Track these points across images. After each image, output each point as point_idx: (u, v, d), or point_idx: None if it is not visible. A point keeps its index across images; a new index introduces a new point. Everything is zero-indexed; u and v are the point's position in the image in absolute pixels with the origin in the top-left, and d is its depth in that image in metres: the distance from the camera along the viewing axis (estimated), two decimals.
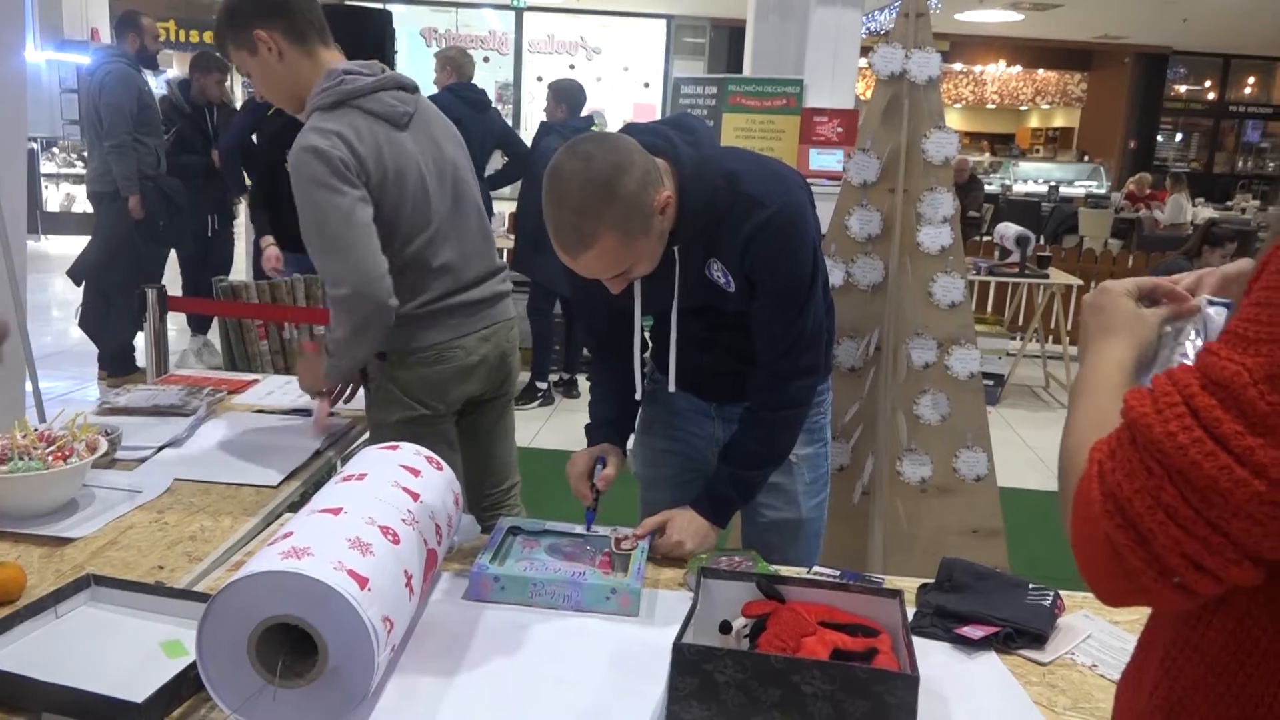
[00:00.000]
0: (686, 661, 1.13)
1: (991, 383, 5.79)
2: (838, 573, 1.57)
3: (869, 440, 2.93)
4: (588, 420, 1.83)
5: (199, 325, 5.86)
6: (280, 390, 2.60)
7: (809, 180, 1.66)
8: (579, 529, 1.68)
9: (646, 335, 1.82)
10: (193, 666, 1.16)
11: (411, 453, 1.52)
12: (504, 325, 2.16)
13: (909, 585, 1.56)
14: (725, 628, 1.27)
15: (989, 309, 7.02)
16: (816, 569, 1.61)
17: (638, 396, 1.76)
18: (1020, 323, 6.92)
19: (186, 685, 1.16)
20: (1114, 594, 0.72)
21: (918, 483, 2.89)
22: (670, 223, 1.53)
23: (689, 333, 1.70)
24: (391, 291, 1.93)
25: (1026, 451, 5.09)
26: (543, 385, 5.40)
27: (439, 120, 2.13)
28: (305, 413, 2.35)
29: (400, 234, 1.99)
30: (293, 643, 1.15)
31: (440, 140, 2.08)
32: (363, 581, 1.14)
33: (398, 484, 1.39)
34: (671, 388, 1.73)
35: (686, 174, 1.53)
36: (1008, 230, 6.12)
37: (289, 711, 1.13)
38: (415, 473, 1.46)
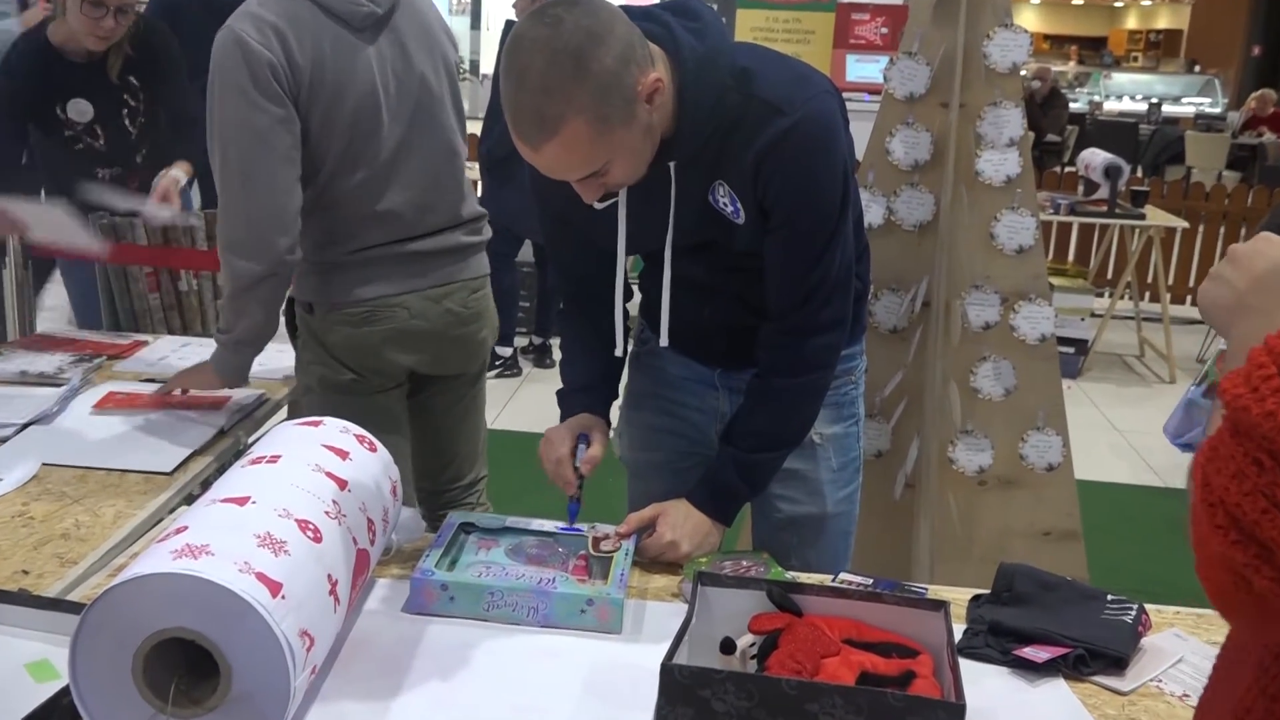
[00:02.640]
0: (678, 686, 1.15)
1: (1070, 350, 5.82)
2: (869, 581, 1.59)
3: (914, 420, 2.93)
4: (560, 386, 1.84)
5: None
6: (175, 354, 2.61)
7: (843, 95, 1.66)
8: (548, 526, 1.69)
9: (632, 284, 1.82)
10: (65, 693, 1.17)
11: (337, 430, 1.53)
12: (465, 286, 2.17)
13: (958, 597, 1.58)
14: (728, 646, 1.29)
15: (1069, 258, 7.04)
16: (844, 576, 1.62)
17: (617, 353, 1.77)
18: (1109, 275, 6.94)
19: (58, 715, 1.17)
20: (1257, 630, 0.71)
21: (975, 473, 2.91)
22: (662, 120, 1.52)
23: (686, 278, 1.71)
24: (294, 246, 1.96)
25: (1113, 436, 5.13)
26: (506, 351, 5.42)
27: (424, 29, 2.12)
28: None
29: (327, 165, 2.00)
30: (189, 663, 1.16)
31: (413, 55, 2.08)
32: (275, 587, 1.15)
33: (319, 468, 1.40)
34: (663, 343, 1.74)
35: (687, 70, 1.52)
36: (1095, 158, 6.12)
37: None
38: (342, 454, 1.47)
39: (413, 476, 2.29)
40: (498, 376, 5.35)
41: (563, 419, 1.79)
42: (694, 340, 1.82)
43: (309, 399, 2.16)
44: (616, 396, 1.87)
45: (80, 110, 3.21)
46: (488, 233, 2.22)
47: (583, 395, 1.80)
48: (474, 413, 2.36)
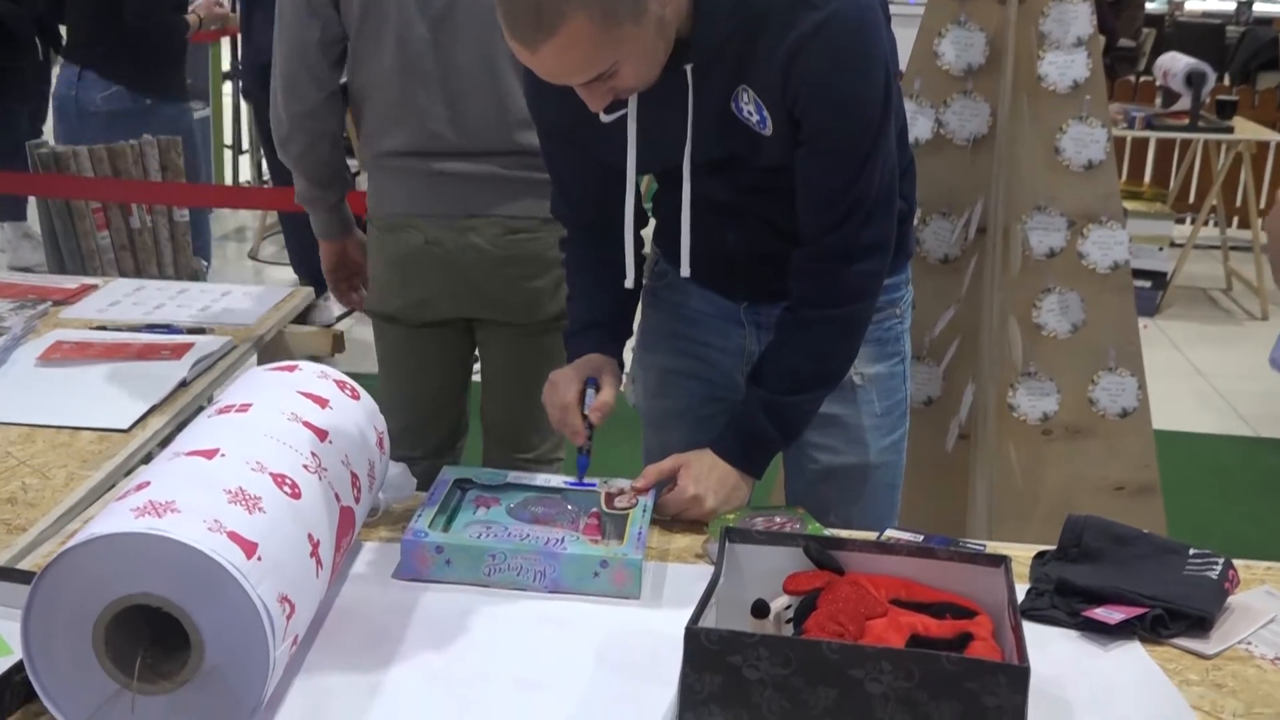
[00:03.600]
0: (705, 653, 1.16)
1: (1148, 283, 5.79)
2: (919, 537, 1.60)
3: (968, 361, 2.93)
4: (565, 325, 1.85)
5: (9, 210, 5.86)
6: (129, 299, 2.62)
7: None
8: (555, 481, 1.70)
9: (646, 208, 1.82)
10: (19, 669, 1.19)
11: (314, 374, 1.53)
12: (499, 223, 2.23)
13: (1020, 554, 1.59)
14: (760, 609, 1.30)
15: (1145, 178, 6.99)
16: (890, 533, 1.63)
17: (629, 284, 1.77)
18: (1191, 199, 6.89)
19: (11, 693, 1.19)
20: None
21: (1038, 420, 2.91)
22: (677, 15, 1.52)
23: (707, 199, 1.70)
24: (317, 111, 2.22)
25: (1196, 380, 5.12)
26: None
27: None
28: (165, 328, 2.37)
29: (351, 36, 2.19)
30: (156, 634, 1.17)
31: None
32: (249, 548, 1.16)
33: (296, 416, 1.41)
34: (684, 272, 1.74)
35: None
36: (1175, 64, 6.05)
37: None
38: (321, 402, 1.48)
39: (482, 447, 2.44)
40: None
41: (569, 361, 1.79)
42: (717, 270, 1.82)
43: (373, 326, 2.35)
44: (630, 335, 1.88)
45: None
46: (540, 172, 2.23)
47: (591, 334, 1.81)
48: (531, 374, 2.37)
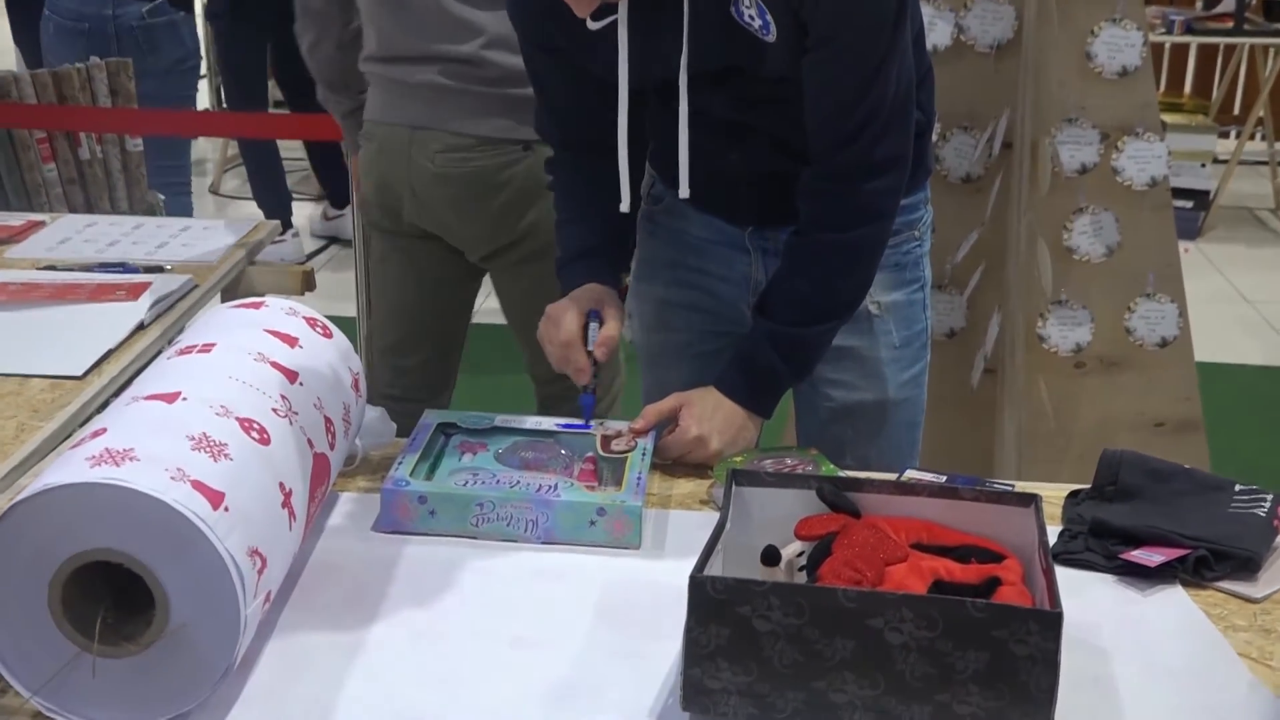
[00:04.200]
0: (712, 602, 1.16)
1: (1189, 203, 5.78)
2: (943, 478, 1.60)
3: (993, 288, 2.92)
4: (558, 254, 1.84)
5: None
6: (80, 236, 2.61)
7: None
8: (546, 423, 1.71)
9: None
10: None
11: (282, 312, 1.53)
12: (441, 139, 2.32)
13: (1052, 493, 1.60)
14: (771, 556, 1.30)
15: (1185, 88, 6.95)
16: (910, 474, 1.64)
17: (624, 208, 1.77)
18: (1235, 110, 6.85)
19: None
20: None
21: (1070, 352, 2.90)
22: None
23: (707, 114, 1.70)
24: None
25: (1241, 307, 5.12)
26: None
27: None
28: (119, 267, 2.37)
29: None
30: (118, 592, 1.17)
31: None
32: (215, 497, 1.16)
33: (263, 357, 1.41)
34: (683, 194, 1.73)
35: None
36: None
37: (117, 691, 1.16)
38: (290, 341, 1.47)
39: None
40: None
41: (564, 293, 1.79)
42: (719, 192, 1.81)
43: None
44: (629, 264, 1.88)
45: None
46: (496, 85, 2.29)
47: (585, 262, 1.80)
48: (521, 300, 2.46)
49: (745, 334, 1.78)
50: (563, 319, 1.73)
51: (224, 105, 6.83)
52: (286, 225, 5.30)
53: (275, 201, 5.37)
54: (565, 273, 1.81)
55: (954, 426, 2.92)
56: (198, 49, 4.15)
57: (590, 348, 1.72)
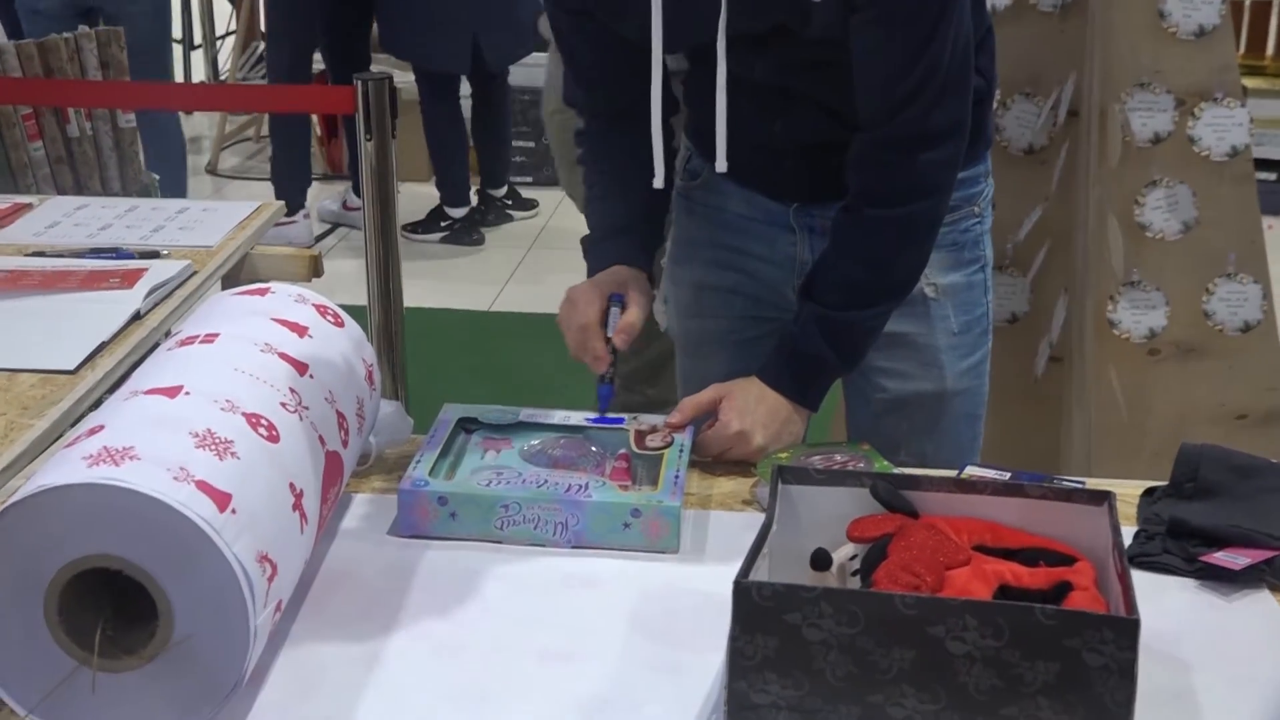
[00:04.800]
0: (758, 611, 1.16)
1: (1272, 175, 5.73)
2: (1006, 474, 1.59)
3: (1060, 269, 2.92)
4: (585, 233, 1.85)
5: None
6: (70, 220, 2.62)
7: None
8: (575, 418, 1.71)
9: (676, 95, 1.81)
10: None
11: (289, 299, 1.54)
12: None
13: (1126, 491, 1.59)
14: (821, 560, 1.30)
15: (1268, 49, 6.89)
16: (970, 470, 1.63)
17: (658, 182, 1.77)
18: None
19: None
20: None
21: (1144, 338, 2.89)
22: None
23: (748, 80, 1.70)
24: None
25: None
26: (457, 212, 5.71)
27: None
28: (112, 253, 2.37)
29: None
30: (118, 602, 1.18)
31: None
32: (222, 499, 1.16)
33: (270, 347, 1.41)
34: (720, 168, 1.73)
35: None
36: None
37: (118, 708, 1.17)
38: (299, 330, 1.48)
39: None
40: (446, 240, 5.64)
41: (590, 274, 1.79)
42: (761, 166, 1.81)
43: None
44: (661, 243, 1.88)
45: None
46: None
47: (614, 241, 1.81)
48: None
49: (790, 320, 1.78)
50: (581, 303, 1.74)
51: (221, 78, 6.90)
52: (299, 206, 5.31)
53: (296, 181, 5.37)
54: (593, 252, 1.82)
55: (1017, 420, 2.92)
56: None
57: (610, 334, 1.73)
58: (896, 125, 1.66)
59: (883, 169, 1.69)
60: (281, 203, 2.83)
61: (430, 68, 5.44)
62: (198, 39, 7.22)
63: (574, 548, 1.50)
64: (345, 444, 1.46)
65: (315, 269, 2.60)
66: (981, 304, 1.91)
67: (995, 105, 2.72)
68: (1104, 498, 1.34)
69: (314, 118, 5.93)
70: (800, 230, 1.87)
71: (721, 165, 1.74)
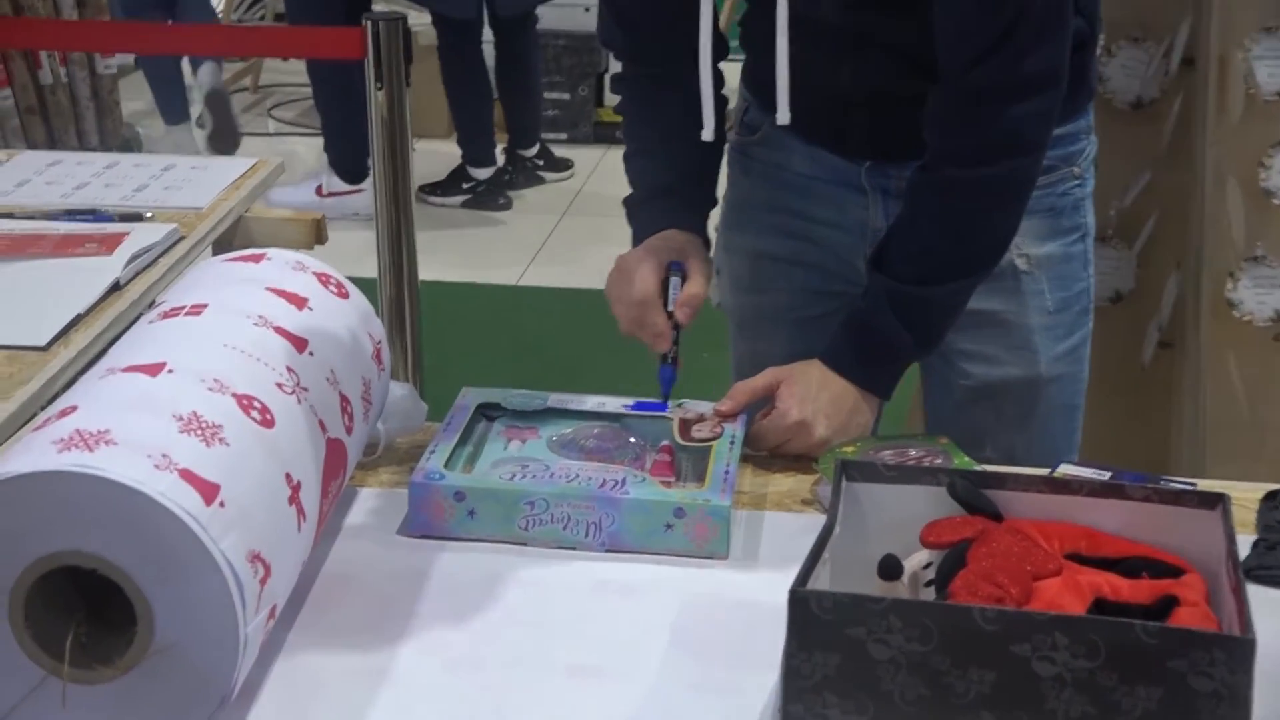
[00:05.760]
0: (818, 624, 1.16)
1: None
2: (1106, 474, 1.59)
3: (1171, 241, 2.91)
4: (627, 193, 1.86)
5: None
6: (41, 178, 2.63)
7: None
8: (611, 404, 1.71)
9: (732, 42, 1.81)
10: None
11: (288, 266, 1.55)
12: None
13: (1244, 495, 1.58)
14: (890, 569, 1.30)
15: None
16: (1065, 468, 1.63)
17: (707, 135, 1.77)
18: None
19: None
20: None
21: (1268, 320, 2.88)
22: None
23: (813, 20, 1.70)
24: None
25: None
26: (482, 174, 5.71)
27: None
28: (90, 214, 2.39)
29: None
30: (92, 604, 1.19)
31: None
32: (209, 490, 1.17)
33: (265, 320, 1.42)
34: (782, 119, 1.73)
35: None
36: None
37: None
38: (299, 302, 1.49)
39: None
40: (468, 204, 5.67)
41: (637, 240, 1.80)
42: (828, 118, 1.81)
43: None
44: (713, 205, 1.88)
45: None
46: None
47: (662, 202, 1.81)
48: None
49: (859, 294, 1.78)
50: (636, 273, 1.74)
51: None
52: (362, 175, 5.17)
53: (353, 143, 5.08)
54: (639, 214, 1.83)
55: (1121, 411, 2.92)
56: None
57: (670, 308, 1.73)
58: (982, 73, 1.65)
59: (966, 123, 1.69)
60: (280, 160, 2.84)
61: (438, 9, 5.45)
62: None
63: (608, 551, 1.50)
64: (349, 431, 1.46)
65: (318, 235, 2.61)
66: (1081, 279, 1.91)
67: (1099, 51, 2.71)
68: (1217, 501, 1.33)
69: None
70: (872, 192, 1.87)
71: (783, 117, 1.74)
